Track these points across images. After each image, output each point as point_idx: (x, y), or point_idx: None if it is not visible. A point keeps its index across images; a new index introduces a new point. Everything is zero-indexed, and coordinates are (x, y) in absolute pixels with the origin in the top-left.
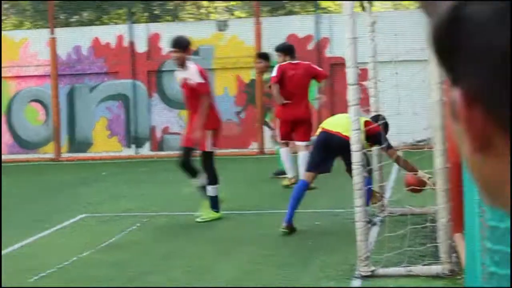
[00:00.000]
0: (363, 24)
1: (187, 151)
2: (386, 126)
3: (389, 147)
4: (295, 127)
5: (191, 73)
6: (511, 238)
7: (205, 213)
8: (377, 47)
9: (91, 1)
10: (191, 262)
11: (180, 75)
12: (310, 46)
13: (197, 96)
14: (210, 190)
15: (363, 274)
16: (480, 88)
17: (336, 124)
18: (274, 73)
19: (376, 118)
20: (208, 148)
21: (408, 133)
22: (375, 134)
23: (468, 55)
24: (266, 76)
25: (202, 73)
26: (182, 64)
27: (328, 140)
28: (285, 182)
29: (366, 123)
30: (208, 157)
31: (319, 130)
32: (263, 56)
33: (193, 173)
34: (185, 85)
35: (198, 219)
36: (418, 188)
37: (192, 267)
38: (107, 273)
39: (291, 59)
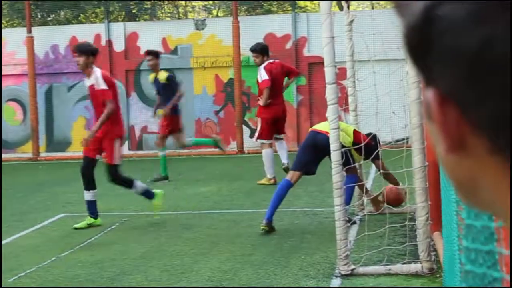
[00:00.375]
0: (340, 23)
1: (90, 160)
2: (375, 138)
3: (377, 158)
4: (276, 124)
5: (96, 79)
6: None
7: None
8: (355, 46)
9: (69, 0)
10: (171, 262)
11: (87, 83)
12: (288, 45)
13: (104, 103)
14: (88, 195)
15: (343, 272)
16: (452, 88)
17: (325, 125)
18: (265, 76)
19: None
20: (116, 161)
21: (387, 132)
22: (369, 147)
23: (441, 55)
24: (161, 75)
25: (107, 79)
26: (86, 70)
27: (316, 139)
28: (263, 181)
29: (355, 133)
30: (114, 170)
31: (309, 130)
32: (154, 54)
33: (91, 183)
34: (92, 92)
35: (76, 226)
36: (397, 204)
37: (172, 267)
38: (87, 273)
39: (268, 58)
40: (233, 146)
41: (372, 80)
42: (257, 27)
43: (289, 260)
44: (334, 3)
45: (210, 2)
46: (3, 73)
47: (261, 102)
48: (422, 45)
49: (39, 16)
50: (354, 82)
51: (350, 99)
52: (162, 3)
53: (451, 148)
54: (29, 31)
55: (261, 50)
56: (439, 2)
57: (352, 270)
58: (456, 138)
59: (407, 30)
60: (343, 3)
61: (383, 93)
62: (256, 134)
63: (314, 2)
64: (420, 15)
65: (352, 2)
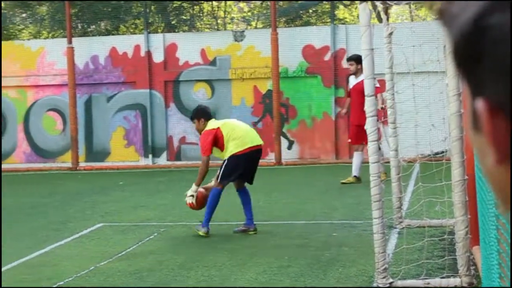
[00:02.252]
0: (379, 35)
1: None
2: None
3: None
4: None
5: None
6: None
7: None
8: (394, 58)
9: (109, 11)
10: (208, 272)
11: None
12: (327, 57)
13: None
14: None
15: (381, 286)
16: (504, 98)
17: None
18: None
19: None
20: None
21: (426, 145)
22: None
23: (492, 64)
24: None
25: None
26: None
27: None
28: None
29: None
30: None
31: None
32: (356, 59)
33: None
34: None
35: None
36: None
37: (209, 277)
38: (125, 283)
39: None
40: (271, 157)
41: (411, 93)
42: (295, 39)
43: (326, 272)
44: (373, 15)
45: (249, 14)
46: (43, 83)
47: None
48: (472, 55)
49: (80, 27)
50: (393, 94)
51: (389, 112)
52: (201, 15)
53: (500, 159)
54: (70, 42)
55: (356, 59)
56: (491, 11)
57: (390, 283)
58: (506, 149)
59: (456, 40)
60: (382, 15)
61: (422, 106)
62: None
63: (353, 14)
64: (471, 25)
65: (392, 14)
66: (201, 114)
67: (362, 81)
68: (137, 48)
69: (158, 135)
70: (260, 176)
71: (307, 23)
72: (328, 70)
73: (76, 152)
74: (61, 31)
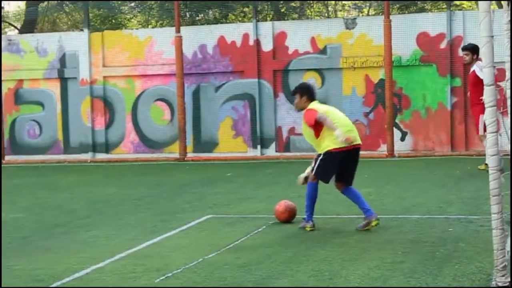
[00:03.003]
0: (499, 22)
1: None
2: None
3: None
4: None
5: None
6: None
7: None
8: None
9: (217, 0)
10: (318, 267)
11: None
12: (443, 44)
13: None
14: None
15: (500, 285)
16: None
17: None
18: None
19: None
20: None
21: None
22: None
23: None
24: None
25: None
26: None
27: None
28: (482, 167)
29: None
30: None
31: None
32: (471, 49)
33: None
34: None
35: None
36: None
37: (319, 272)
38: (233, 276)
39: (477, 58)
40: (383, 149)
41: None
42: (409, 26)
43: (441, 269)
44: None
45: (361, 0)
46: (151, 72)
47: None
48: None
49: (188, 16)
50: None
51: (508, 102)
52: (311, 2)
53: None
54: (178, 31)
55: (472, 49)
56: None
57: (511, 282)
58: None
59: None
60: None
61: None
62: (481, 127)
63: (472, 1)
64: None
65: None
66: (305, 91)
67: (473, 71)
68: (245, 36)
69: (266, 126)
70: (371, 168)
71: (422, 9)
72: (444, 59)
73: (183, 142)
74: (169, 20)
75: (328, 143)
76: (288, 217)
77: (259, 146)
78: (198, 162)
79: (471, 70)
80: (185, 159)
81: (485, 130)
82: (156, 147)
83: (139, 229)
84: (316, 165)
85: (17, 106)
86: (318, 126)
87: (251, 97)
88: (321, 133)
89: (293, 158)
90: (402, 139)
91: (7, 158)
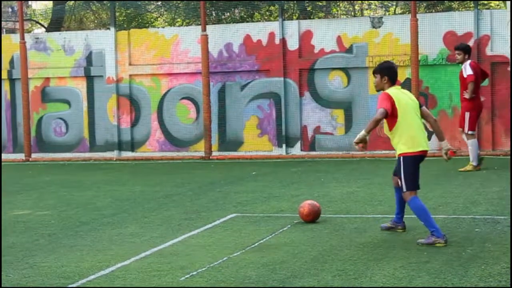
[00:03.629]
0: None
1: None
2: None
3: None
4: (479, 117)
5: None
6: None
7: None
8: None
9: None
10: (343, 266)
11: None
12: (470, 43)
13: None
14: None
15: None
16: None
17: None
18: (469, 71)
19: None
20: None
21: None
22: None
23: None
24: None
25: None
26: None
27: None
28: (469, 168)
29: None
30: None
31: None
32: (463, 49)
33: None
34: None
35: None
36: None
37: (344, 271)
38: (258, 275)
39: (469, 58)
40: None
41: None
42: (436, 25)
43: (467, 269)
44: None
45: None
46: (176, 71)
47: (467, 96)
48: None
49: (214, 14)
50: None
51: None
52: (337, 1)
53: None
54: (204, 30)
55: (464, 48)
56: None
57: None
58: None
59: None
60: None
61: None
62: (466, 126)
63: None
64: None
65: None
66: (387, 72)
67: (461, 70)
68: (271, 35)
69: (292, 125)
70: None
71: (449, 8)
72: (472, 57)
73: (209, 141)
74: (195, 18)
75: (403, 146)
76: (313, 219)
77: (284, 145)
78: (223, 160)
79: (460, 68)
80: (210, 157)
81: (470, 128)
82: (182, 146)
83: (164, 227)
84: (402, 175)
85: (43, 104)
86: (392, 113)
87: (277, 96)
88: (394, 129)
89: (318, 157)
90: (428, 139)
91: (34, 155)
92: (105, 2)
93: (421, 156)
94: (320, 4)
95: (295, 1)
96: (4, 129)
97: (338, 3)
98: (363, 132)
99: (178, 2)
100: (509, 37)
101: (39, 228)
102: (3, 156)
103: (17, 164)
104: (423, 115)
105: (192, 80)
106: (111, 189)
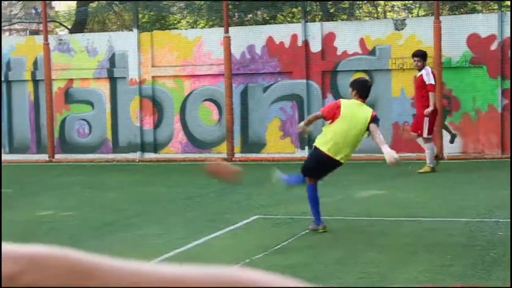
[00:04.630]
0: None
1: None
2: None
3: None
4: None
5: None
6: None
7: None
8: None
9: (266, 0)
10: (366, 269)
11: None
12: (493, 46)
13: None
14: None
15: None
16: None
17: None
18: (432, 80)
19: None
20: None
21: None
22: None
23: None
24: None
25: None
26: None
27: None
28: (427, 170)
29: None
30: None
31: None
32: (421, 55)
33: None
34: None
35: None
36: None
37: (367, 274)
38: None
39: (426, 64)
40: None
41: None
42: (460, 27)
43: (491, 273)
44: None
45: (411, 1)
46: (199, 73)
47: (429, 109)
48: None
49: (236, 16)
50: None
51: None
52: (360, 3)
53: None
54: (226, 31)
55: (422, 56)
56: None
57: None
58: None
59: None
60: None
61: None
62: (426, 130)
63: None
64: None
65: None
66: (356, 86)
67: (421, 75)
68: (294, 37)
69: (314, 127)
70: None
71: (473, 10)
72: (495, 60)
73: (231, 143)
74: (218, 20)
75: (320, 140)
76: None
77: (306, 147)
78: (245, 162)
79: (419, 74)
80: (233, 159)
81: (429, 132)
82: (204, 147)
83: (187, 229)
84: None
85: (67, 105)
86: (334, 115)
87: (299, 98)
88: (328, 125)
89: None
90: (452, 141)
91: (57, 156)
92: (127, 4)
93: (326, 157)
94: (343, 6)
95: (318, 3)
96: (27, 130)
97: (361, 5)
98: (301, 124)
99: (201, 4)
100: None
101: (62, 229)
102: (26, 156)
103: (41, 165)
104: (369, 130)
105: (215, 82)
106: (134, 190)
